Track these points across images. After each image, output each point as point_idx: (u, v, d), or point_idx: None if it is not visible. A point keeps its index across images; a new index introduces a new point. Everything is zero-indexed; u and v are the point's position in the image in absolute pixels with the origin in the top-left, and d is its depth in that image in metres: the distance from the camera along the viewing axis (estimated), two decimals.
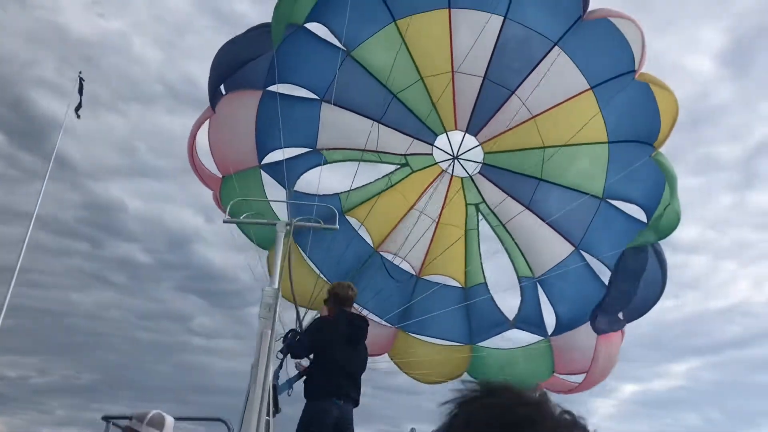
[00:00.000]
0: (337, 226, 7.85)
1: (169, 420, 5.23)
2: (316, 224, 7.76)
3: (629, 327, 9.72)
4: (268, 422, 5.91)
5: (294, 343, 7.24)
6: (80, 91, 18.31)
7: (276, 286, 6.38)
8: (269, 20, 9.10)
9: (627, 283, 8.76)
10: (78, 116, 18.18)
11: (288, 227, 7.09)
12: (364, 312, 10.90)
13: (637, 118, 8.82)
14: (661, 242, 8.99)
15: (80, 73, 18.25)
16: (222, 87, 9.44)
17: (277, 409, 6.54)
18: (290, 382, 7.44)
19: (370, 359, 8.21)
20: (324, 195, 10.72)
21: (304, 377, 7.36)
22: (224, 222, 7.50)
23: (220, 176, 9.98)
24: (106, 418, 7.05)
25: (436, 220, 11.01)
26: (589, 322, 9.55)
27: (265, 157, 10.17)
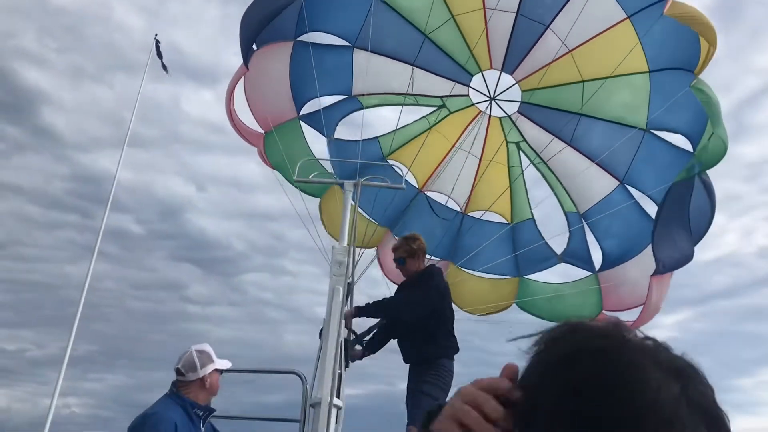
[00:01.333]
0: (404, 185, 7.81)
1: (206, 347, 5.54)
2: (382, 183, 7.77)
3: None
4: (340, 375, 6.18)
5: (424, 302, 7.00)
6: (159, 54, 18.85)
7: (345, 243, 6.52)
8: None
9: (676, 218, 8.52)
10: (167, 72, 18.86)
11: (355, 186, 7.19)
12: None
13: (677, 44, 8.37)
14: None
15: (156, 35, 18.93)
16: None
17: (347, 364, 6.75)
18: (361, 337, 7.44)
19: None
20: (364, 140, 10.78)
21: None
22: (295, 181, 7.57)
23: (263, 132, 10.10)
24: None
25: (479, 157, 10.93)
26: (636, 258, 9.48)
27: (303, 108, 10.22)
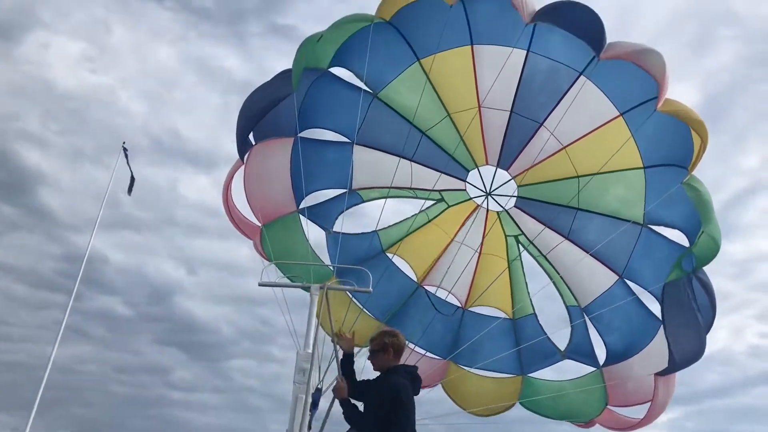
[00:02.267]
0: (371, 289, 7.67)
1: None
2: (349, 287, 7.69)
3: None
4: None
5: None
6: (128, 163, 17.80)
7: (310, 349, 6.25)
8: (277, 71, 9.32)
9: (679, 318, 8.40)
10: (130, 193, 18.08)
11: (321, 290, 7.06)
12: (415, 348, 10.96)
13: (670, 141, 8.52)
14: None
15: (124, 143, 17.74)
16: (251, 137, 9.62)
17: None
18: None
19: None
20: (363, 233, 10.84)
21: None
22: (260, 285, 7.38)
23: (259, 225, 10.16)
24: None
25: (478, 251, 10.92)
26: (640, 353, 9.28)
27: (302, 202, 10.31)
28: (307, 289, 7.13)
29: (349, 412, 6.63)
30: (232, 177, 9.97)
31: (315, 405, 7.11)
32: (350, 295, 10.59)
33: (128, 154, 17.80)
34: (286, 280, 7.81)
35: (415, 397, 6.67)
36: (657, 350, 8.95)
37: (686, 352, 8.68)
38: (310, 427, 7.15)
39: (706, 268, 8.56)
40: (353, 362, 7.27)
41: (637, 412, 9.63)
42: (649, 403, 9.10)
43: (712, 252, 8.02)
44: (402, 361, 7.35)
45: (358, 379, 7.21)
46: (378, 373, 6.96)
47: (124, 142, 17.84)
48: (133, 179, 18.03)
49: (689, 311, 8.49)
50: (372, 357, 6.99)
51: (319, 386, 7.22)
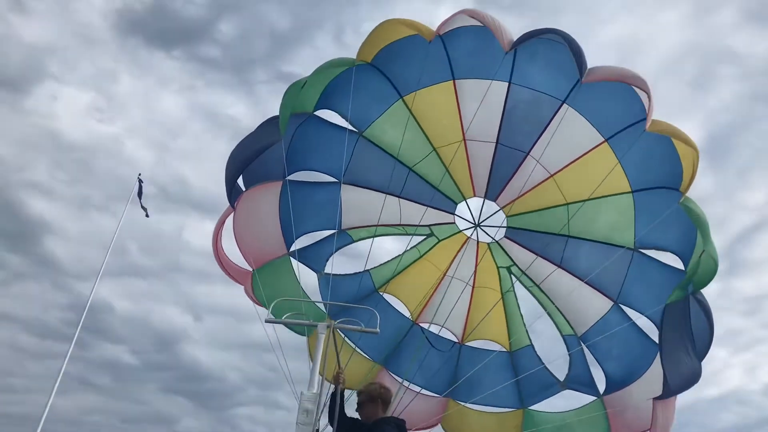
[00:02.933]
0: (378, 330, 7.62)
1: None
2: (356, 327, 7.60)
3: None
4: None
5: None
6: (140, 193, 18.90)
7: (315, 390, 6.08)
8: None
9: (676, 341, 8.34)
10: (147, 215, 18.85)
11: (329, 328, 6.98)
12: (410, 385, 10.81)
13: (657, 164, 8.55)
14: None
15: (139, 175, 18.41)
16: (242, 183, 9.60)
17: None
18: None
19: None
20: (355, 273, 10.78)
21: None
22: (266, 322, 7.32)
23: (250, 270, 10.08)
24: None
25: (471, 284, 10.85)
26: (639, 380, 9.18)
27: (293, 245, 10.26)
28: (313, 326, 7.08)
29: None
30: (223, 223, 9.93)
31: None
32: (343, 335, 10.49)
33: (143, 186, 18.33)
34: (294, 318, 7.75)
35: None
36: (656, 376, 8.86)
37: (683, 375, 8.59)
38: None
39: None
40: (342, 399, 7.26)
41: None
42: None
43: (712, 272, 7.98)
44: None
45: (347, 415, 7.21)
46: None
47: (140, 174, 18.51)
48: (144, 208, 18.63)
49: (686, 334, 8.44)
50: (361, 408, 7.07)
51: (317, 428, 7.14)
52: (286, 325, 7.71)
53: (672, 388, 8.47)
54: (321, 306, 10.67)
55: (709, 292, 8.57)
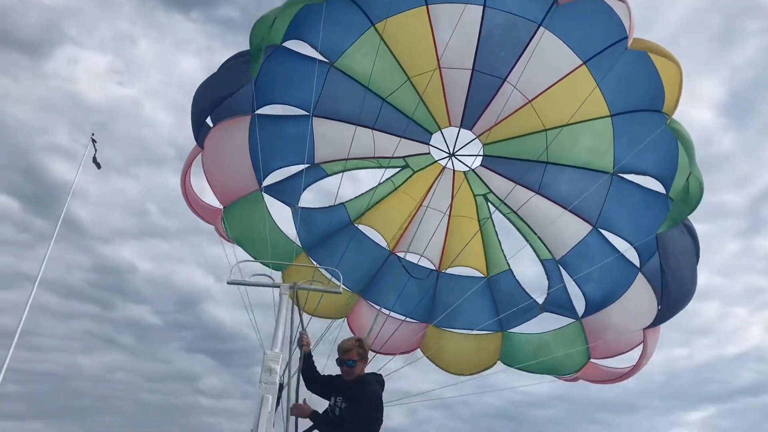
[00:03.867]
0: (341, 290, 7.58)
1: None
2: (319, 288, 7.53)
3: (643, 376, 9.48)
4: None
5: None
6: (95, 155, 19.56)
7: (278, 349, 6.13)
8: None
9: (676, 266, 8.37)
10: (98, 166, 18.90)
11: (291, 290, 6.95)
12: (390, 313, 10.88)
13: (636, 85, 8.34)
14: None
15: (93, 135, 19.33)
16: (209, 121, 9.20)
17: None
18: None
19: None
20: (329, 206, 10.62)
21: None
22: (228, 283, 7.16)
23: (221, 207, 9.84)
24: None
25: (448, 213, 10.79)
26: (618, 301, 9.32)
27: (265, 179, 10.01)
28: (276, 287, 7.03)
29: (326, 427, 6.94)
30: (190, 164, 9.59)
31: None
32: (322, 270, 10.42)
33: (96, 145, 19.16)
34: (256, 279, 7.55)
35: None
36: (636, 298, 8.99)
37: (680, 295, 8.68)
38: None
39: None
40: (312, 360, 7.38)
41: (621, 362, 9.75)
42: (635, 352, 9.19)
43: (699, 195, 7.88)
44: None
45: (321, 374, 7.40)
46: None
47: (93, 134, 19.41)
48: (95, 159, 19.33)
49: (678, 257, 8.47)
50: (349, 367, 7.10)
51: (281, 382, 7.23)
52: (249, 285, 7.58)
53: (663, 314, 8.57)
54: (295, 241, 10.56)
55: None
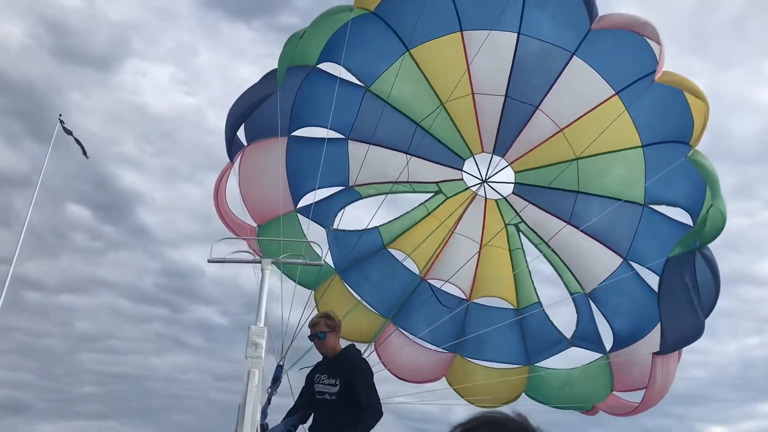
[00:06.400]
0: (323, 262, 7.69)
1: None
2: (300, 261, 7.64)
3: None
4: None
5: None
6: (69, 133, 19.21)
7: (262, 324, 6.18)
8: None
9: (678, 295, 8.23)
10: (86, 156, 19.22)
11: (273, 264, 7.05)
12: (417, 340, 10.88)
13: (667, 117, 8.40)
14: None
15: (60, 116, 19.00)
16: (244, 139, 9.52)
17: None
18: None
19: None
20: (364, 229, 10.73)
21: None
22: (209, 261, 7.31)
23: (255, 226, 10.06)
24: None
25: (479, 242, 10.78)
26: (647, 336, 9.11)
27: (300, 201, 10.21)
28: (257, 262, 7.13)
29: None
30: (223, 179, 9.87)
31: (277, 380, 7.64)
32: (352, 292, 10.54)
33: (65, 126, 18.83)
34: (237, 256, 7.67)
35: None
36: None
37: (683, 330, 8.50)
38: (269, 402, 7.58)
39: None
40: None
41: (639, 396, 9.48)
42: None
43: (720, 226, 7.82)
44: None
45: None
46: None
47: (60, 115, 19.14)
48: (79, 142, 19.27)
49: (692, 287, 8.30)
50: (320, 339, 7.23)
51: (281, 362, 7.35)
52: (229, 262, 7.67)
53: (669, 343, 8.40)
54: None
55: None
